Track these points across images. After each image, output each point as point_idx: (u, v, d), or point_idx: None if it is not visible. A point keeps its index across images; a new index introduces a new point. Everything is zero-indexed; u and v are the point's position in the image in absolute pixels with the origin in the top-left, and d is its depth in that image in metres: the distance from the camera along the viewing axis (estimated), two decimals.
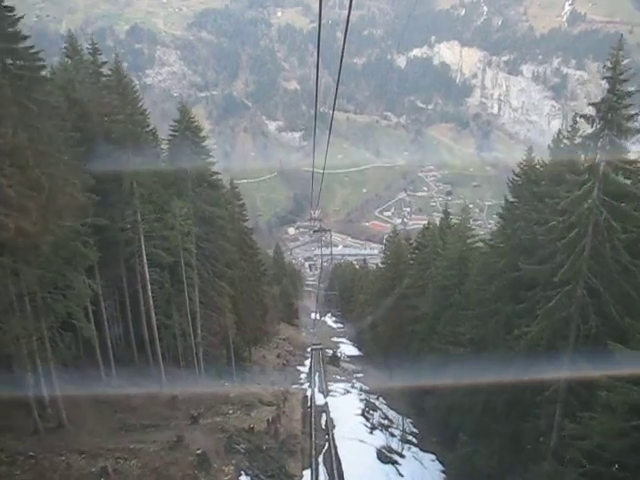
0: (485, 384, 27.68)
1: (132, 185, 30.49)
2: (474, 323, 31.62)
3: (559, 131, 27.35)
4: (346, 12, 9.59)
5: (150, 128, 35.29)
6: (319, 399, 45.54)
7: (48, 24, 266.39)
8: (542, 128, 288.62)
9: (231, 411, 35.13)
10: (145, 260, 32.54)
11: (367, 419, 39.53)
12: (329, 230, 48.28)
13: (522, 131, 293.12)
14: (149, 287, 33.29)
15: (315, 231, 48.79)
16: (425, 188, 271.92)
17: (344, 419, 38.23)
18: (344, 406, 42.87)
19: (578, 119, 22.66)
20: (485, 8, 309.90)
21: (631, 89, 20.12)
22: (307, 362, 74.77)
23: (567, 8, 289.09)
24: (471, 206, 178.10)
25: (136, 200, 31.00)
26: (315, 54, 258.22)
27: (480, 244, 39.28)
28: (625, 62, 20.56)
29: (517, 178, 30.12)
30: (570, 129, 25.62)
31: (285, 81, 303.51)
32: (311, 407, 41.09)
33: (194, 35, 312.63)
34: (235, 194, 53.14)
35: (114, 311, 35.89)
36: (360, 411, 40.96)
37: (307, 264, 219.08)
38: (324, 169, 19.06)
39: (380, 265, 79.49)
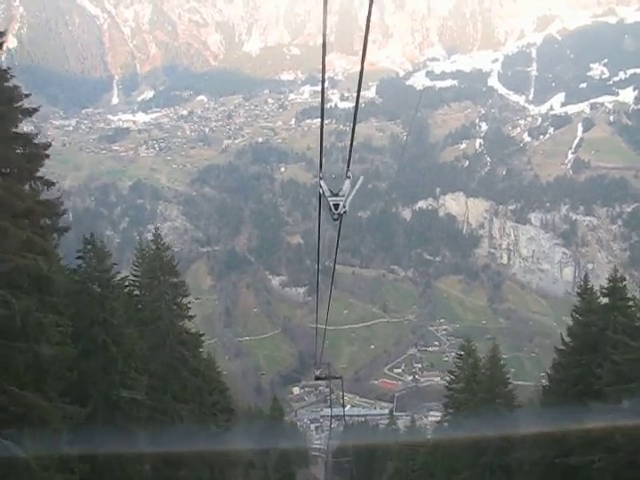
0: None
1: None
2: None
3: None
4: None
5: None
6: None
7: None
8: (554, 276, 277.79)
9: None
10: None
11: None
12: (340, 377, 31.79)
13: (534, 280, 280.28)
14: None
15: (320, 378, 30.75)
16: (436, 343, 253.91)
17: None
18: None
19: None
20: (488, 159, 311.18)
21: None
22: None
23: (570, 156, 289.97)
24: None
25: None
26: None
27: None
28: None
29: None
30: None
31: (288, 235, 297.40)
32: None
33: (197, 191, 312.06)
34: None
35: None
36: None
37: (313, 426, 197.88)
38: (326, 324, 19.07)
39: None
